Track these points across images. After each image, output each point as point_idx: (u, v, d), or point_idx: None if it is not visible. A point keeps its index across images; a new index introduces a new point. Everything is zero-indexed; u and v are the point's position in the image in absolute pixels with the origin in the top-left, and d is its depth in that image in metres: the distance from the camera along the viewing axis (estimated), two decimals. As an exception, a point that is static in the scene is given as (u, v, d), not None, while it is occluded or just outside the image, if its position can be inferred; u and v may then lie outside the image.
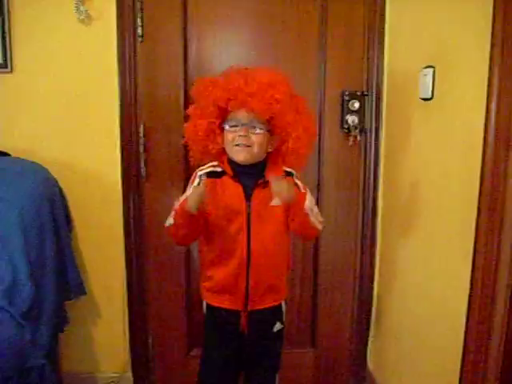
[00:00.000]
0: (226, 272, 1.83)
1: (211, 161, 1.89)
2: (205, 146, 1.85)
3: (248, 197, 1.80)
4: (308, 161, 1.92)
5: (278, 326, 1.97)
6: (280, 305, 1.97)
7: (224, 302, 1.88)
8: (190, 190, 1.81)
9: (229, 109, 1.76)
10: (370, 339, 2.67)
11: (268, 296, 1.89)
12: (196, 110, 1.83)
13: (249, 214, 1.80)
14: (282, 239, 1.87)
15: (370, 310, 2.65)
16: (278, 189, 1.68)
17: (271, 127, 1.78)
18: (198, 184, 1.84)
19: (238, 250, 1.80)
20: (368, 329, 2.67)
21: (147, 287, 2.55)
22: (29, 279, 1.85)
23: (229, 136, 1.77)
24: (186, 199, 1.70)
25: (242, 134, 1.73)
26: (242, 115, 1.73)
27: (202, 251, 1.94)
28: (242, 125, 1.74)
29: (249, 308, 1.87)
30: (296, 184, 1.87)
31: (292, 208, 1.77)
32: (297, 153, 1.82)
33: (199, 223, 1.78)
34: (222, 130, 1.80)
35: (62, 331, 2.22)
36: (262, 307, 1.88)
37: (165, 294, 2.55)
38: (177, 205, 1.74)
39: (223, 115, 1.79)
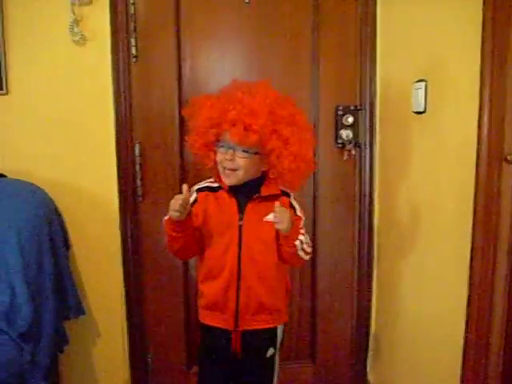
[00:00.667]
0: (217, 287, 1.83)
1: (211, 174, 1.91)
2: (201, 160, 1.88)
3: (241, 210, 1.81)
4: (305, 181, 1.91)
5: (270, 352, 1.94)
6: (275, 328, 1.94)
7: (215, 320, 1.88)
8: None
9: (216, 133, 1.77)
10: (370, 353, 2.67)
11: (261, 316, 1.87)
12: (193, 127, 1.84)
13: (240, 227, 1.80)
14: (274, 256, 1.85)
15: (368, 324, 2.65)
16: (281, 217, 1.70)
17: (261, 149, 1.75)
18: (195, 200, 1.86)
19: (229, 263, 1.80)
20: (367, 342, 2.67)
21: (146, 305, 2.54)
22: (27, 300, 1.85)
23: (219, 156, 1.79)
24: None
25: (227, 157, 1.75)
26: (229, 138, 1.73)
27: (197, 267, 1.96)
28: (229, 148, 1.74)
29: (240, 327, 1.86)
30: (292, 206, 1.89)
31: (283, 238, 1.78)
32: (286, 179, 1.81)
33: (193, 237, 1.80)
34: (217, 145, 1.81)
35: (62, 351, 2.21)
36: (253, 328, 1.87)
37: (164, 311, 2.55)
38: (166, 217, 1.76)
39: (218, 132, 1.78)
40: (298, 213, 1.88)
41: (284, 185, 1.88)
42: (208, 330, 1.93)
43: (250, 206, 1.82)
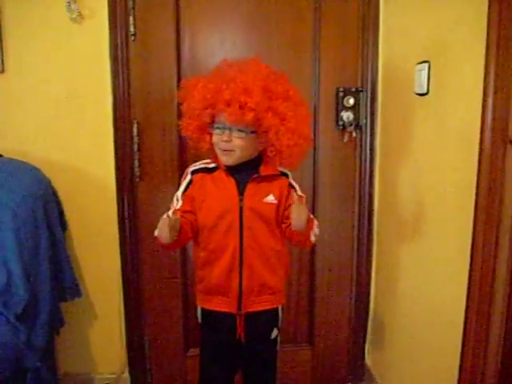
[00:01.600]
0: (219, 270, 1.81)
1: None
2: (196, 143, 1.86)
3: (241, 191, 1.79)
4: (303, 158, 1.89)
5: (274, 333, 1.95)
6: (277, 309, 1.94)
7: (218, 305, 1.86)
8: (173, 204, 1.84)
9: (211, 115, 1.75)
10: (368, 337, 2.66)
11: (263, 297, 1.86)
12: (187, 110, 1.82)
13: (241, 208, 1.78)
14: (275, 236, 1.84)
15: (367, 308, 2.64)
16: (299, 215, 1.67)
17: (257, 128, 1.74)
18: (190, 181, 1.85)
19: (230, 245, 1.79)
20: (366, 326, 2.67)
21: (143, 287, 2.53)
22: (23, 281, 1.83)
23: (214, 138, 1.77)
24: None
25: (224, 139, 1.73)
26: (224, 119, 1.71)
27: (195, 252, 1.93)
28: (225, 128, 1.72)
29: (243, 310, 1.84)
30: (292, 186, 1.88)
31: (298, 234, 1.76)
32: (283, 154, 1.79)
33: (186, 235, 1.78)
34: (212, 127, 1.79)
35: (58, 333, 2.21)
36: (257, 309, 1.86)
37: (161, 293, 2.54)
38: (156, 232, 1.71)
39: (212, 114, 1.77)
40: (299, 192, 1.87)
41: (282, 164, 1.86)
42: (209, 315, 1.92)
43: (249, 187, 1.80)
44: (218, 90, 1.68)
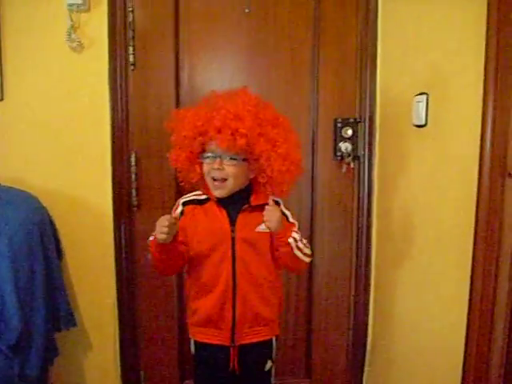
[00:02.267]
0: (212, 302, 1.79)
1: (197, 187, 1.89)
2: (187, 175, 1.86)
3: (233, 222, 1.78)
4: (301, 188, 1.89)
5: (268, 365, 1.93)
6: (270, 340, 1.92)
7: (211, 338, 1.84)
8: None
9: (201, 143, 1.76)
10: (366, 368, 2.63)
11: (256, 328, 1.84)
12: (176, 141, 1.82)
13: (233, 239, 1.77)
14: (268, 266, 1.83)
15: (365, 339, 2.61)
16: (270, 216, 1.70)
17: (248, 155, 1.75)
18: (181, 212, 1.84)
19: (223, 276, 1.77)
20: (364, 358, 2.63)
21: (139, 317, 2.51)
22: (17, 311, 1.81)
23: (205, 168, 1.77)
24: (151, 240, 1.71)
25: (215, 167, 1.73)
26: (215, 147, 1.72)
27: (187, 284, 1.91)
28: (217, 157, 1.73)
29: (236, 342, 1.82)
30: (284, 213, 1.86)
31: (276, 239, 1.76)
32: (276, 181, 1.79)
33: (180, 255, 1.77)
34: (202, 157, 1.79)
35: (53, 363, 2.17)
36: (250, 341, 1.84)
37: (157, 324, 2.51)
38: (151, 238, 1.72)
39: (202, 143, 1.78)
40: (291, 219, 1.87)
41: (273, 191, 1.85)
42: (202, 347, 1.89)
43: (241, 217, 1.79)
44: (209, 118, 1.69)
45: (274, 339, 1.93)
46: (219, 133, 1.67)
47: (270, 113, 1.76)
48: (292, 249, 1.75)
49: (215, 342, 1.83)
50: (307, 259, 1.81)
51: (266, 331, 1.88)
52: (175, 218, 1.67)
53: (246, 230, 1.78)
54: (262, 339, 1.87)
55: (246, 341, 1.83)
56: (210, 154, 1.74)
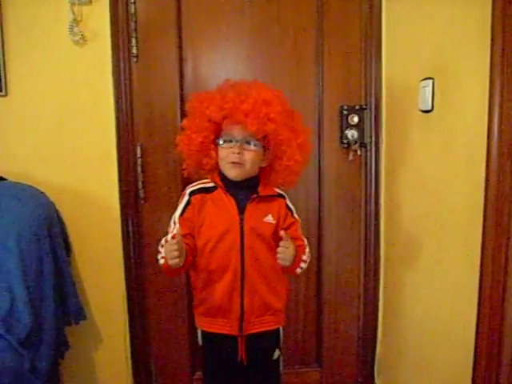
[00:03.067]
0: (220, 291, 1.78)
1: (204, 176, 1.88)
2: (199, 161, 1.84)
3: (241, 210, 1.78)
4: (308, 177, 1.89)
5: (276, 354, 1.93)
6: (278, 329, 1.92)
7: (219, 327, 1.83)
8: (171, 228, 1.81)
9: (223, 126, 1.76)
10: (377, 357, 2.63)
11: (264, 317, 1.83)
12: (191, 124, 1.81)
13: (242, 228, 1.77)
14: (273, 256, 1.79)
15: (376, 328, 2.61)
16: (284, 254, 1.70)
17: (265, 143, 1.78)
18: (188, 202, 1.82)
19: (232, 265, 1.76)
20: (375, 346, 2.63)
21: (148, 310, 2.51)
22: (27, 306, 1.82)
23: (223, 152, 1.77)
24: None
25: (235, 151, 1.73)
26: (236, 132, 1.73)
27: (193, 274, 1.89)
28: (236, 141, 1.73)
29: (245, 331, 1.81)
30: (289, 208, 1.88)
31: (285, 270, 1.81)
32: (290, 170, 1.81)
33: (188, 259, 1.75)
34: (216, 144, 1.79)
35: (63, 357, 2.18)
36: (258, 330, 1.83)
37: (166, 316, 2.52)
38: (161, 261, 1.72)
39: (217, 130, 1.79)
40: (295, 215, 1.89)
41: (283, 179, 1.86)
42: (210, 337, 1.89)
43: (249, 207, 1.79)
44: (238, 101, 1.70)
45: (280, 329, 1.93)
46: (247, 117, 1.68)
47: (287, 104, 1.79)
48: (297, 273, 1.83)
49: (223, 331, 1.83)
50: (300, 272, 1.84)
51: (274, 320, 1.87)
52: (179, 235, 1.64)
53: (254, 220, 1.78)
54: (269, 328, 1.86)
55: (254, 330, 1.82)
56: (228, 138, 1.75)
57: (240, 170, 1.76)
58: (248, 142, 1.74)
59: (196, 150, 1.81)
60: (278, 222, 1.81)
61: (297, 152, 1.76)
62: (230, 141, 1.74)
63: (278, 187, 1.89)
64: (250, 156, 1.74)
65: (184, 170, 1.89)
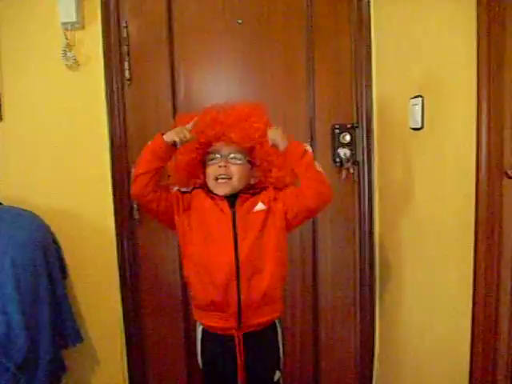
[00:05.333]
0: (216, 285, 1.76)
1: None
2: (186, 181, 1.89)
3: (232, 205, 1.80)
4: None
5: (277, 375, 1.90)
6: (274, 325, 1.89)
7: (217, 321, 1.82)
8: None
9: (206, 141, 1.80)
10: (375, 372, 2.62)
11: (263, 308, 1.81)
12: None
13: (234, 222, 1.78)
14: (269, 244, 1.80)
15: (373, 344, 2.60)
16: (274, 136, 1.74)
17: (252, 158, 1.81)
18: (188, 191, 1.88)
19: (226, 259, 1.76)
20: (372, 366, 2.62)
21: (145, 331, 2.51)
22: (23, 330, 1.82)
23: (209, 169, 1.80)
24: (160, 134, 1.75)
25: (221, 164, 1.76)
26: (220, 147, 1.78)
27: (186, 268, 1.87)
28: (222, 156, 1.77)
29: (243, 324, 1.79)
30: (276, 188, 1.88)
31: (292, 153, 1.76)
32: (282, 181, 1.83)
33: (160, 177, 1.78)
34: (204, 165, 1.83)
35: (60, 381, 2.18)
36: (256, 322, 1.81)
37: (163, 337, 2.52)
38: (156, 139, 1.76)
39: (204, 151, 1.82)
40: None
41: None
42: (209, 333, 1.88)
43: (239, 201, 1.82)
44: (222, 116, 1.77)
45: (277, 322, 1.90)
46: (230, 128, 1.74)
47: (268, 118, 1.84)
48: (312, 158, 1.77)
49: (221, 325, 1.82)
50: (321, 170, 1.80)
51: (273, 310, 1.86)
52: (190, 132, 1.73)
53: (245, 211, 1.80)
54: (268, 318, 1.85)
55: (254, 320, 1.81)
56: (216, 155, 1.78)
57: (227, 186, 1.79)
58: (233, 157, 1.77)
59: (184, 171, 1.86)
60: (269, 205, 1.82)
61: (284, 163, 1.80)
62: (216, 157, 1.78)
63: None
64: (237, 169, 1.78)
65: (169, 181, 1.91)
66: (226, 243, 1.77)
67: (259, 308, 1.81)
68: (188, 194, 1.86)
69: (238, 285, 1.77)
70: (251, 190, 1.87)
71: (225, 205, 1.80)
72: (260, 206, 1.80)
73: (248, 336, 1.82)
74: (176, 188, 1.87)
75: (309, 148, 1.79)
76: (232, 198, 1.82)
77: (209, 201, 1.82)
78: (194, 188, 1.88)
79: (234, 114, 1.76)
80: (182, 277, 2.06)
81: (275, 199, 1.83)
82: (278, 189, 1.86)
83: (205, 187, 1.87)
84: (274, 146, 1.76)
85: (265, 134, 1.75)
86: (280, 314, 1.92)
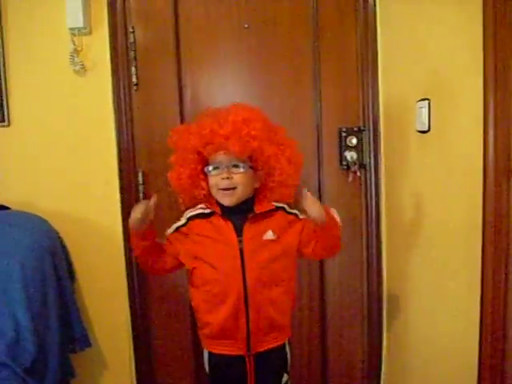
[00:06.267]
0: (224, 314, 1.76)
1: (201, 203, 1.88)
2: (191, 193, 1.85)
3: (239, 232, 1.77)
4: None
5: (285, 378, 1.89)
6: (284, 346, 1.88)
7: (226, 349, 1.81)
8: None
9: (207, 154, 1.76)
10: (383, 376, 2.62)
11: (271, 335, 1.81)
12: (177, 159, 1.82)
13: (241, 250, 1.76)
14: (278, 272, 1.79)
15: (380, 347, 2.60)
16: (314, 213, 1.65)
17: (253, 164, 1.77)
18: (184, 224, 1.87)
19: (234, 287, 1.74)
20: (380, 366, 2.62)
21: (153, 336, 2.52)
22: (32, 334, 1.82)
23: (212, 180, 1.77)
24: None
25: (224, 176, 1.73)
26: (221, 157, 1.73)
27: (195, 298, 1.87)
28: (224, 167, 1.73)
29: (253, 350, 1.79)
30: (292, 213, 1.86)
31: (327, 227, 1.70)
32: (284, 184, 1.80)
33: (156, 247, 1.85)
34: (206, 174, 1.80)
35: (69, 385, 2.18)
36: (267, 347, 1.81)
37: (171, 341, 2.52)
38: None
39: (204, 160, 1.79)
40: (301, 216, 1.85)
41: (279, 195, 1.84)
42: (217, 360, 1.87)
43: (246, 227, 1.78)
44: (216, 126, 1.71)
45: (286, 344, 1.90)
46: (227, 139, 1.68)
47: (269, 121, 1.79)
48: (339, 226, 1.75)
49: (231, 352, 1.81)
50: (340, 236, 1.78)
51: (281, 336, 1.86)
52: (153, 202, 1.76)
53: (253, 239, 1.77)
54: (276, 344, 1.84)
55: (263, 348, 1.81)
56: (216, 166, 1.75)
57: (232, 196, 1.75)
58: (236, 166, 1.73)
59: (186, 183, 1.82)
60: (280, 236, 1.79)
61: (286, 165, 1.75)
62: (218, 167, 1.74)
63: (277, 201, 1.86)
64: (240, 178, 1.73)
65: (181, 204, 1.90)
66: (234, 273, 1.75)
67: (268, 334, 1.81)
68: (184, 228, 1.86)
69: (247, 312, 1.76)
70: (258, 200, 1.84)
71: (230, 230, 1.78)
72: (270, 235, 1.77)
73: (257, 356, 1.83)
74: (169, 231, 1.90)
75: (337, 216, 1.75)
76: (238, 220, 1.79)
77: (210, 230, 1.81)
78: (192, 218, 1.86)
79: (230, 123, 1.69)
80: (189, 282, 2.05)
81: (286, 231, 1.81)
82: (289, 213, 1.85)
83: (209, 198, 1.84)
84: (311, 213, 1.67)
85: (264, 141, 1.71)
86: (288, 337, 1.92)
